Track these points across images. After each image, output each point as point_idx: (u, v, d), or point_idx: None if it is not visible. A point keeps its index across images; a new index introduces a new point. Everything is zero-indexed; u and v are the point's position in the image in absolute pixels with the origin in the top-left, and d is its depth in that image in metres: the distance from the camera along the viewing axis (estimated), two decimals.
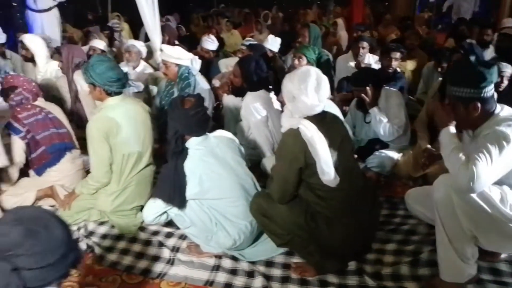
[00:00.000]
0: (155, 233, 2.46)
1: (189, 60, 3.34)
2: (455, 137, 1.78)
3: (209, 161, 2.06)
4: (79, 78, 3.53)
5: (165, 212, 2.15)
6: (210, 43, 4.60)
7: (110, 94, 2.38)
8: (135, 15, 6.63)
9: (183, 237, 2.38)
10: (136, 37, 6.79)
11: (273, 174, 2.02)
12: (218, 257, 2.21)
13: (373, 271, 2.09)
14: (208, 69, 4.44)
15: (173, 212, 2.14)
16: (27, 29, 5.29)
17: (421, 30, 5.72)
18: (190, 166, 2.02)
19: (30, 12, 5.28)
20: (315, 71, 1.89)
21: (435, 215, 1.84)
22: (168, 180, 2.04)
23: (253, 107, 2.97)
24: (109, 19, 7.05)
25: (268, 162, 2.99)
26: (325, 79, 1.89)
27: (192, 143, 2.07)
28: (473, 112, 1.72)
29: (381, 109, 2.87)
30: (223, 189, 2.08)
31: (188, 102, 2.04)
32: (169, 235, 2.43)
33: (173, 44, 5.21)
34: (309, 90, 1.83)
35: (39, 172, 2.72)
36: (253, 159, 3.01)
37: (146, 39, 5.28)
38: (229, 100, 3.32)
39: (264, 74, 3.08)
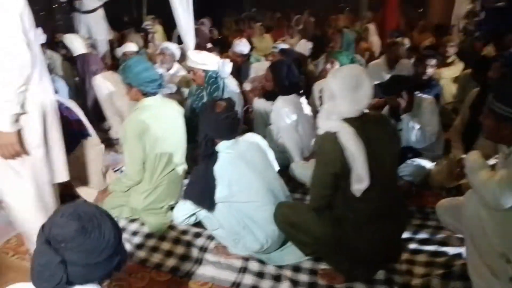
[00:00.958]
0: (184, 232, 2.50)
1: (216, 64, 3.34)
2: (480, 157, 1.75)
3: (239, 164, 2.07)
4: (97, 83, 3.65)
5: (195, 213, 2.18)
6: (242, 46, 4.64)
7: (146, 94, 2.44)
8: (170, 17, 6.78)
9: (211, 237, 2.40)
10: (169, 39, 6.93)
11: (311, 179, 1.99)
12: (245, 259, 2.22)
13: (402, 282, 2.05)
14: (239, 72, 4.47)
15: (202, 214, 2.16)
16: (67, 29, 5.45)
17: (458, 37, 5.58)
18: (219, 169, 2.03)
19: (76, 13, 5.39)
20: (360, 71, 1.84)
21: (464, 232, 1.80)
22: (198, 183, 2.06)
23: (283, 112, 2.98)
24: (144, 21, 7.22)
25: (297, 167, 2.98)
26: (367, 82, 1.81)
27: (222, 146, 2.08)
28: (507, 131, 1.66)
29: (413, 116, 2.81)
30: (251, 193, 2.09)
31: (219, 106, 2.05)
32: (197, 235, 2.46)
33: (205, 47, 5.29)
34: (348, 89, 1.79)
35: None
36: (281, 163, 3.00)
37: (179, 41, 5.38)
38: (259, 103, 3.34)
39: (295, 79, 3.08)
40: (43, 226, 1.09)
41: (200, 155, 2.10)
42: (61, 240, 1.03)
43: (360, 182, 1.79)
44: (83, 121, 2.89)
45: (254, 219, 2.12)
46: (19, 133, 1.83)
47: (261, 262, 2.21)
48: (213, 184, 2.02)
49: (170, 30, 7.02)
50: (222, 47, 6.13)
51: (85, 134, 2.85)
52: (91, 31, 5.35)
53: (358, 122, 1.82)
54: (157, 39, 6.38)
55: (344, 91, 1.80)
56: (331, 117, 1.85)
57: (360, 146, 1.76)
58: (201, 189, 2.04)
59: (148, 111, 2.42)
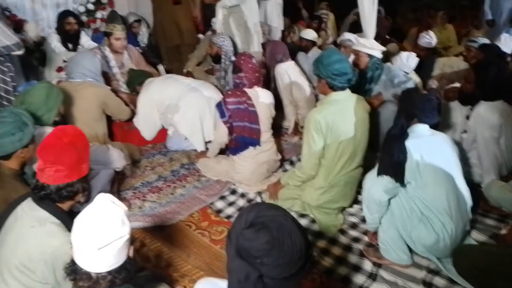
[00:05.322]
0: (356, 240, 2.33)
1: (380, 52, 3.25)
2: None
3: (430, 149, 1.98)
4: (279, 72, 3.67)
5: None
6: (428, 40, 4.15)
7: (333, 88, 2.31)
8: (341, 4, 6.51)
9: None
10: (338, 27, 6.73)
11: None
12: (428, 284, 1.96)
13: None
14: (421, 67, 4.02)
15: None
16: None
17: None
18: (411, 145, 1.94)
19: None
20: None
21: None
22: (390, 156, 1.96)
23: (486, 120, 2.53)
24: (315, 7, 7.13)
25: (495, 186, 2.51)
26: None
27: (420, 128, 2.02)
28: None
29: None
30: (435, 179, 1.96)
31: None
32: (370, 245, 2.26)
33: (383, 38, 4.93)
34: None
35: (232, 152, 2.91)
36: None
37: (350, 30, 5.13)
38: (454, 107, 2.90)
39: (505, 83, 2.58)
40: (229, 234, 1.05)
41: (390, 134, 2.03)
42: (256, 255, 0.98)
43: None
44: (260, 131, 2.80)
45: (431, 207, 1.96)
46: None
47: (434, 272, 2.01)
48: (404, 158, 1.93)
49: (339, 17, 6.78)
50: (397, 38, 5.67)
51: (254, 143, 2.80)
52: (267, 18, 5.42)
53: None
54: (329, 27, 6.24)
55: None
56: None
57: None
58: (394, 162, 1.95)
59: (333, 106, 2.30)
